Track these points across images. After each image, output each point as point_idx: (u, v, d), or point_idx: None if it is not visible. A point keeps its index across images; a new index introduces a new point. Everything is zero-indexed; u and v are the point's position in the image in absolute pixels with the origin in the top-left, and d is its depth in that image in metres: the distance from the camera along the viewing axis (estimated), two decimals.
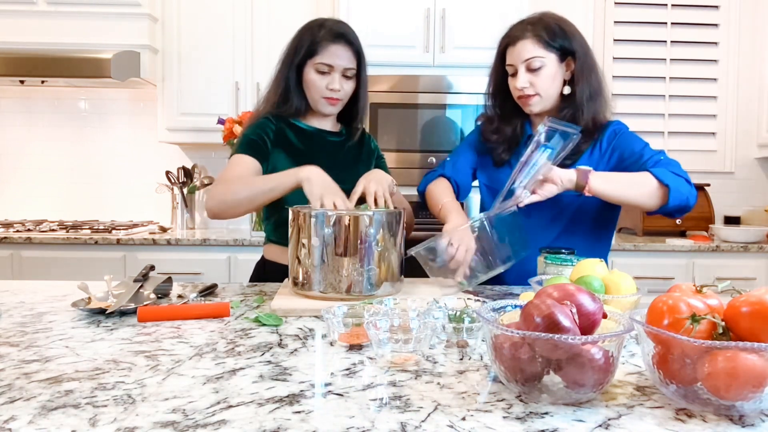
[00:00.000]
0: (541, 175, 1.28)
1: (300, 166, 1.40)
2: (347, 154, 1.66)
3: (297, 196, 1.50)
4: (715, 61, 3.32)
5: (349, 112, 1.66)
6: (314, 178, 1.35)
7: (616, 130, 1.52)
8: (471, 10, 2.80)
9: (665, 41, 3.29)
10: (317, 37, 1.52)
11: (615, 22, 3.29)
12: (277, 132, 1.58)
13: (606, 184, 1.33)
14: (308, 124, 1.64)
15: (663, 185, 1.34)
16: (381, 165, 1.75)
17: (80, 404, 0.70)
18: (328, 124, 1.66)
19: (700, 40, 3.32)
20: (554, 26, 1.47)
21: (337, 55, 1.52)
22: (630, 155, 1.47)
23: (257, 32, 2.97)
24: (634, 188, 1.36)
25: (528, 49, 1.45)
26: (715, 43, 3.32)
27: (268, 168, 1.56)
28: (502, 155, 1.59)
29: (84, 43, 2.82)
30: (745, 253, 2.78)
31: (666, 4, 3.28)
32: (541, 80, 1.46)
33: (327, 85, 1.53)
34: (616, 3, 3.29)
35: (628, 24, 3.30)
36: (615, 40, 3.30)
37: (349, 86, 1.57)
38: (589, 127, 1.47)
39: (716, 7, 3.29)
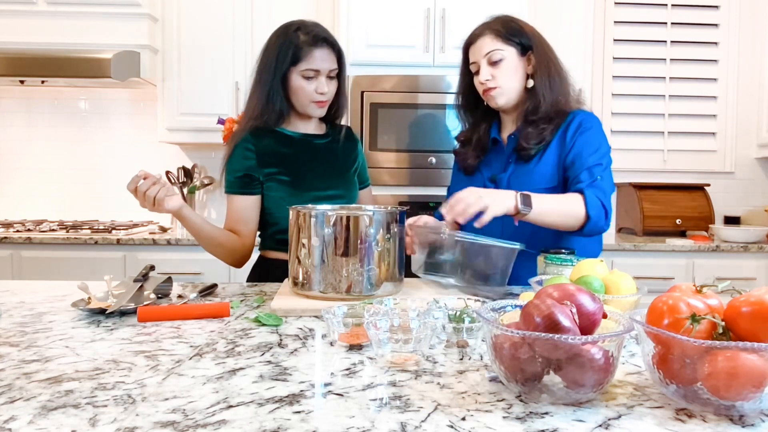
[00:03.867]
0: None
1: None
2: (335, 156, 1.67)
3: (280, 207, 1.52)
4: (715, 61, 3.32)
5: (330, 111, 1.67)
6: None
7: (582, 122, 1.51)
8: (471, 11, 2.80)
9: (665, 41, 3.29)
10: (299, 43, 1.53)
11: (615, 22, 3.29)
12: (259, 151, 1.58)
13: (538, 217, 1.35)
14: (293, 130, 1.64)
15: (586, 215, 1.38)
16: (363, 164, 1.77)
17: (80, 404, 0.70)
18: (312, 127, 1.67)
19: (700, 40, 3.32)
20: (511, 22, 1.54)
21: (322, 59, 1.54)
22: (574, 158, 1.47)
23: (257, 32, 2.97)
24: (560, 220, 1.39)
25: (487, 43, 1.51)
26: (715, 43, 3.32)
27: (265, 191, 1.59)
28: (470, 161, 1.62)
29: (84, 43, 2.82)
30: (745, 253, 2.78)
31: (666, 4, 3.28)
32: (502, 72, 1.50)
33: (315, 89, 1.55)
34: (616, 3, 3.28)
35: (628, 24, 3.30)
36: (615, 40, 3.29)
37: (333, 86, 1.59)
38: (551, 115, 1.51)
39: (716, 7, 3.29)
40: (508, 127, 1.61)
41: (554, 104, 1.51)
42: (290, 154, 1.60)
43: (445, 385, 0.78)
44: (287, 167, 1.58)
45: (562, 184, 1.51)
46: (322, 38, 1.55)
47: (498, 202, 1.30)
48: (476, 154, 1.62)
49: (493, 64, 1.50)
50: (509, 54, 1.51)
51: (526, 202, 1.33)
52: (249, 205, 1.59)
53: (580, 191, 1.42)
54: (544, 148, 1.51)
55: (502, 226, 1.55)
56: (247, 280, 1.68)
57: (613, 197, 3.25)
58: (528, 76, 1.53)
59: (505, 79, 1.51)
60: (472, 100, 1.62)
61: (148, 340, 0.99)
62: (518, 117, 1.57)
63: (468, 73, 1.59)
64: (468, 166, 1.63)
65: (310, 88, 1.55)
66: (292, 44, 1.53)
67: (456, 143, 1.73)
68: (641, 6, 3.29)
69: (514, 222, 1.37)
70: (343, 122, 1.76)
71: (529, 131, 1.51)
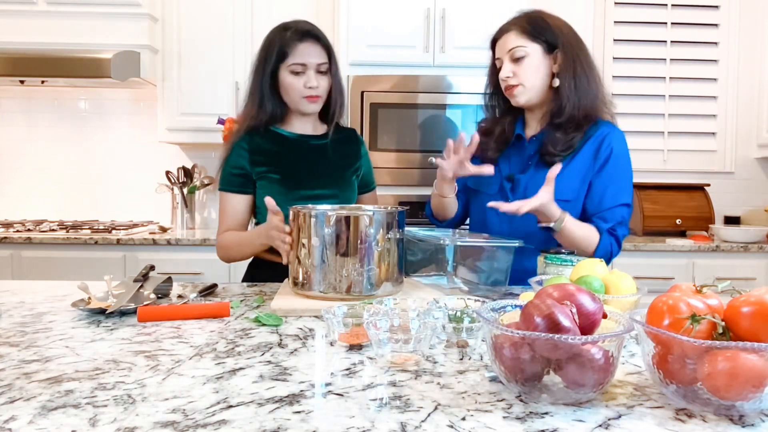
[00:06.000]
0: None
1: (259, 230, 1.45)
2: (330, 157, 1.66)
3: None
4: (715, 61, 3.32)
5: (328, 109, 1.66)
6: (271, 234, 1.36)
7: (615, 146, 1.49)
8: (471, 10, 2.80)
9: (665, 41, 3.29)
10: (285, 39, 1.54)
11: (615, 22, 3.29)
12: (253, 151, 1.59)
13: (561, 235, 1.41)
14: (289, 131, 1.64)
15: (592, 254, 1.43)
16: (367, 169, 1.76)
17: (80, 404, 0.70)
18: (310, 127, 1.66)
19: (700, 40, 3.32)
20: (539, 19, 1.50)
21: (308, 53, 1.54)
22: (601, 193, 1.49)
23: (257, 32, 2.96)
24: (572, 245, 1.43)
25: (511, 39, 1.49)
26: (715, 43, 3.32)
27: (257, 189, 1.60)
28: (490, 153, 1.59)
29: (84, 43, 2.82)
30: (745, 253, 2.78)
31: (666, 4, 3.28)
32: (524, 69, 1.48)
33: (304, 84, 1.55)
34: (616, 3, 3.28)
35: (628, 24, 3.30)
36: (615, 40, 3.29)
37: (325, 82, 1.58)
38: (578, 119, 1.48)
39: (716, 7, 3.29)
40: (533, 127, 1.58)
41: (580, 108, 1.47)
42: (282, 152, 1.60)
43: (445, 385, 0.78)
44: (277, 165, 1.59)
45: (581, 203, 1.50)
46: (306, 32, 1.55)
47: (550, 204, 1.36)
48: (498, 147, 1.59)
49: (516, 60, 1.48)
50: (533, 51, 1.47)
51: (562, 219, 1.38)
52: (239, 208, 1.61)
53: (600, 233, 1.45)
54: (571, 158, 1.49)
55: (499, 224, 1.55)
56: (242, 281, 1.68)
57: None
58: (554, 75, 1.49)
59: (527, 77, 1.48)
60: (499, 96, 1.60)
61: (148, 340, 0.99)
62: (543, 117, 1.54)
63: (495, 70, 1.57)
64: (487, 158, 1.58)
65: (299, 84, 1.55)
66: (278, 42, 1.55)
67: (476, 131, 1.67)
68: (641, 6, 3.29)
69: (539, 226, 1.40)
70: (342, 122, 1.76)
71: (557, 136, 1.48)
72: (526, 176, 1.53)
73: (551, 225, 1.38)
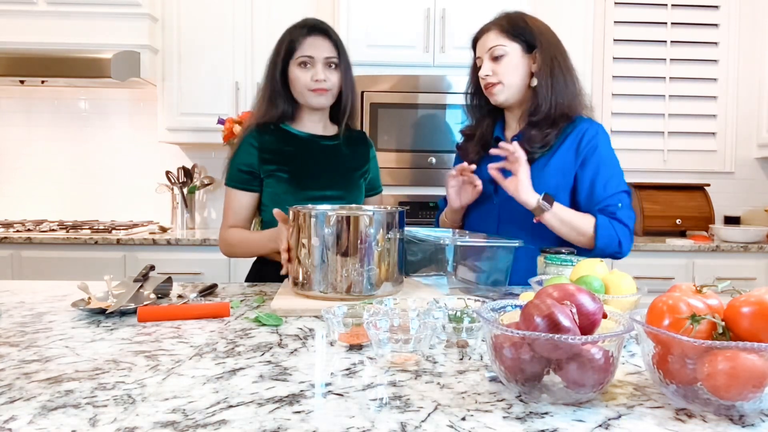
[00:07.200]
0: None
1: (269, 234, 1.48)
2: (340, 158, 1.65)
3: (277, 203, 1.51)
4: (715, 61, 3.33)
5: (339, 107, 1.66)
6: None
7: (596, 139, 1.49)
8: (471, 11, 2.80)
9: (665, 41, 3.29)
10: (294, 34, 1.57)
11: (615, 22, 3.29)
12: (262, 149, 1.59)
13: (554, 220, 1.42)
14: (300, 130, 1.64)
15: (593, 243, 1.44)
16: (375, 172, 1.76)
17: (80, 404, 0.70)
18: (320, 127, 1.66)
19: (700, 40, 3.32)
20: (519, 20, 1.52)
21: (315, 46, 1.55)
22: (590, 186, 1.49)
23: (257, 32, 2.97)
24: (571, 234, 1.44)
25: (491, 38, 1.51)
26: (715, 43, 3.32)
27: (264, 187, 1.60)
28: (471, 157, 1.61)
29: (84, 43, 2.82)
30: (745, 253, 2.78)
31: (666, 4, 3.28)
32: (503, 68, 1.50)
33: (311, 77, 1.55)
34: (616, 3, 3.29)
35: (628, 24, 3.30)
36: (615, 40, 3.30)
37: (334, 77, 1.58)
38: (553, 117, 1.49)
39: (716, 7, 3.30)
40: (512, 127, 1.59)
41: (556, 106, 1.49)
42: (292, 151, 1.60)
43: (445, 385, 0.78)
44: (287, 164, 1.59)
45: (570, 198, 1.51)
46: (314, 26, 1.57)
47: (525, 187, 1.39)
48: (478, 149, 1.61)
49: (495, 59, 1.50)
50: (512, 50, 1.49)
51: (547, 200, 1.38)
52: (248, 200, 1.61)
53: (595, 217, 1.45)
54: (551, 155, 1.50)
55: (498, 224, 1.56)
56: (246, 280, 1.68)
57: None
58: (532, 75, 1.51)
59: (506, 75, 1.49)
60: (480, 96, 1.61)
61: (148, 340, 0.99)
62: (522, 117, 1.56)
63: (476, 69, 1.58)
64: (469, 161, 1.60)
65: (306, 77, 1.55)
66: (288, 38, 1.57)
67: (459, 138, 1.72)
68: (641, 6, 3.29)
69: (533, 220, 1.41)
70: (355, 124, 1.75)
71: (532, 134, 1.49)
72: (508, 175, 1.53)
73: (539, 205, 1.38)
